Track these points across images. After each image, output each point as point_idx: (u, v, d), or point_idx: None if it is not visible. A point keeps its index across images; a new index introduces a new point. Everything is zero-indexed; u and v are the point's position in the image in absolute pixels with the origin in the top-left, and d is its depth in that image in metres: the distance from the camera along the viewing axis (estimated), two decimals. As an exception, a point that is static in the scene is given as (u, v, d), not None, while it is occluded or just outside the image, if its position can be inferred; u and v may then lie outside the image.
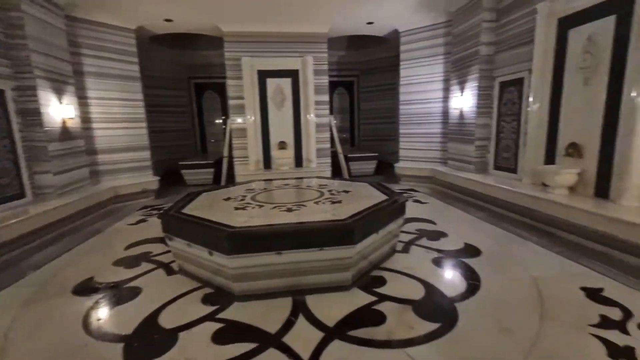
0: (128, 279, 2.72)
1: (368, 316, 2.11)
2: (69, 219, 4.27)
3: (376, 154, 7.95)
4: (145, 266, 2.99)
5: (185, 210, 2.76)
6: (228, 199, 3.18)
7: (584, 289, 2.39)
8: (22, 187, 4.13)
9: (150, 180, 6.04)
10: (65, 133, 4.66)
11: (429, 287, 2.45)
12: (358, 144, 9.74)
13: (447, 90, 5.97)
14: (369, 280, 2.56)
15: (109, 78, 5.63)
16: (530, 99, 4.21)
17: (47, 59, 4.36)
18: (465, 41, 5.28)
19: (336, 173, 7.11)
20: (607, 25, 3.28)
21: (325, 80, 6.70)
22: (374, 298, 2.31)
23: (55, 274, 2.90)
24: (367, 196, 3.14)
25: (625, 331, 1.91)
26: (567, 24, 3.72)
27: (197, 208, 2.86)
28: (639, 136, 3.00)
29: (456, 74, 5.60)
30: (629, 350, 1.74)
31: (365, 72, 9.28)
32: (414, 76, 6.47)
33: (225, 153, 6.54)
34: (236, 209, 2.82)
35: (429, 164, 6.42)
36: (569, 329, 1.95)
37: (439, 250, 3.14)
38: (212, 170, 7.20)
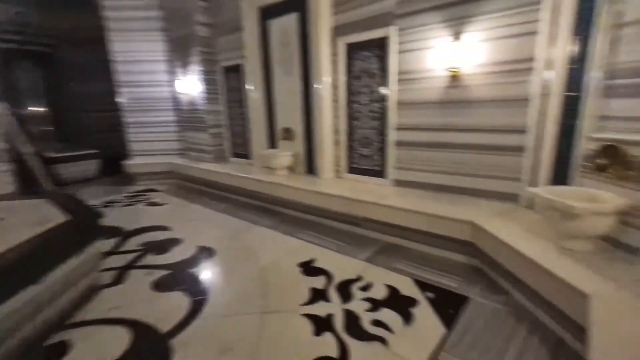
0: None
1: None
2: None
3: (96, 151, 6.20)
4: None
5: None
6: None
7: (300, 264, 2.56)
8: None
9: None
10: None
11: (139, 330, 1.84)
12: (76, 138, 7.35)
13: (173, 72, 5.30)
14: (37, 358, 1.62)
15: None
16: (248, 87, 4.31)
17: None
18: (181, 19, 4.76)
19: (31, 183, 4.92)
20: (292, 22, 3.68)
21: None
22: (34, 393, 1.44)
23: None
24: (29, 224, 2.03)
25: (327, 298, 2.10)
26: (267, 14, 3.95)
27: None
28: (326, 121, 3.61)
29: (177, 54, 5.03)
30: (330, 319, 1.89)
31: (71, 43, 6.91)
32: (132, 52, 5.31)
33: None
34: None
35: (168, 157, 5.65)
36: (285, 318, 1.92)
37: (165, 267, 2.57)
38: None
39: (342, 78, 3.47)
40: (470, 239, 2.38)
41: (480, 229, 2.27)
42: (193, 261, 2.66)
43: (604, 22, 1.90)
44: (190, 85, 4.95)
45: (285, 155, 3.92)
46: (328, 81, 3.52)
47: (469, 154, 2.77)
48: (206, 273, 2.50)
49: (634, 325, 1.28)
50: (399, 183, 3.26)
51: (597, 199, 1.82)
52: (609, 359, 1.13)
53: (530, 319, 1.85)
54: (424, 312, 1.94)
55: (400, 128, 3.14)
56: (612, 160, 1.86)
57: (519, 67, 2.41)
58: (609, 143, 1.87)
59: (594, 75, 1.97)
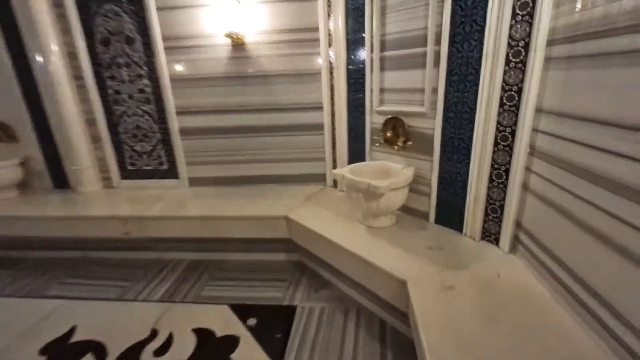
0: None
1: None
2: None
3: None
4: None
5: None
6: None
7: (47, 347, 1.56)
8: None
9: None
10: None
11: None
12: None
13: None
14: None
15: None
16: None
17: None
18: None
19: None
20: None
21: None
22: None
23: None
24: None
25: (95, 400, 1.30)
26: None
27: None
28: (68, 108, 2.41)
29: None
30: None
31: None
32: None
33: None
34: None
35: None
36: None
37: None
38: None
39: (82, 44, 2.34)
40: (287, 235, 2.08)
41: (290, 221, 1.99)
42: None
43: (371, -10, 1.84)
44: None
45: (5, 166, 2.44)
46: (56, 49, 2.30)
47: (272, 136, 2.43)
48: None
49: (444, 301, 1.25)
50: (197, 182, 2.60)
51: (390, 173, 1.83)
52: (438, 342, 1.01)
53: (356, 307, 1.73)
54: (247, 353, 1.48)
55: (182, 112, 2.43)
56: (395, 131, 1.91)
57: (305, 36, 2.19)
58: (390, 115, 1.90)
59: (369, 48, 1.93)
